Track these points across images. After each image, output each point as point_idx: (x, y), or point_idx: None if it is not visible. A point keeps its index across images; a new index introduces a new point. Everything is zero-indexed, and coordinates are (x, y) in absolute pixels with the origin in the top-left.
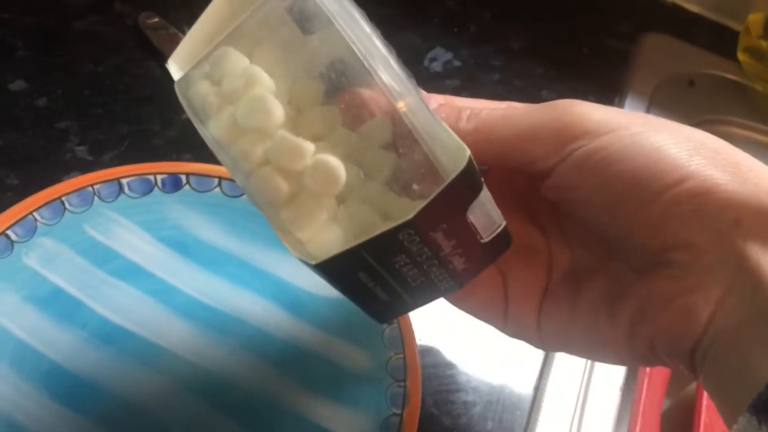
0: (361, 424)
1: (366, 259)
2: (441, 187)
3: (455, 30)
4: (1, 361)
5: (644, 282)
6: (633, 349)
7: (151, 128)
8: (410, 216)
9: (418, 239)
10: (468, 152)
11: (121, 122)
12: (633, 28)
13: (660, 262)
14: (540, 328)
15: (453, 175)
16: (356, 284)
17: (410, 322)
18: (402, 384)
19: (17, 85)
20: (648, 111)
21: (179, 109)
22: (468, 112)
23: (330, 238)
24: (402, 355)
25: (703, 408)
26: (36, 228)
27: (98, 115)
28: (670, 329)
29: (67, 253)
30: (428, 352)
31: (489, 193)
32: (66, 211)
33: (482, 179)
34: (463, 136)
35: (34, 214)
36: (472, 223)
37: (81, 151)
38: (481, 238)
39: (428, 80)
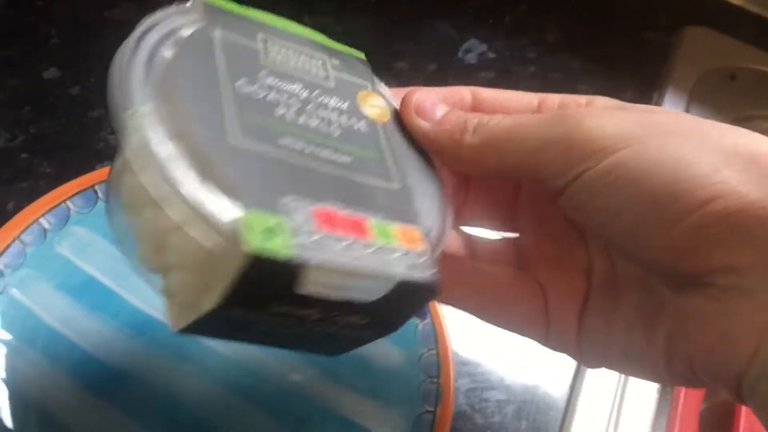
0: (393, 420)
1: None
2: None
3: (490, 21)
4: (32, 349)
5: (681, 299)
6: (672, 369)
7: None
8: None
9: (253, 315)
10: (244, 255)
11: None
12: (673, 20)
13: (696, 282)
14: (580, 342)
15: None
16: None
17: (443, 319)
18: (435, 381)
19: (51, 73)
20: (688, 106)
21: None
22: (475, 122)
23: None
24: (435, 352)
25: (743, 411)
26: (69, 216)
27: None
28: (710, 353)
29: (99, 242)
30: (461, 349)
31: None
32: (99, 200)
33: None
34: (470, 150)
35: (67, 202)
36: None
37: (114, 139)
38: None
39: (462, 72)
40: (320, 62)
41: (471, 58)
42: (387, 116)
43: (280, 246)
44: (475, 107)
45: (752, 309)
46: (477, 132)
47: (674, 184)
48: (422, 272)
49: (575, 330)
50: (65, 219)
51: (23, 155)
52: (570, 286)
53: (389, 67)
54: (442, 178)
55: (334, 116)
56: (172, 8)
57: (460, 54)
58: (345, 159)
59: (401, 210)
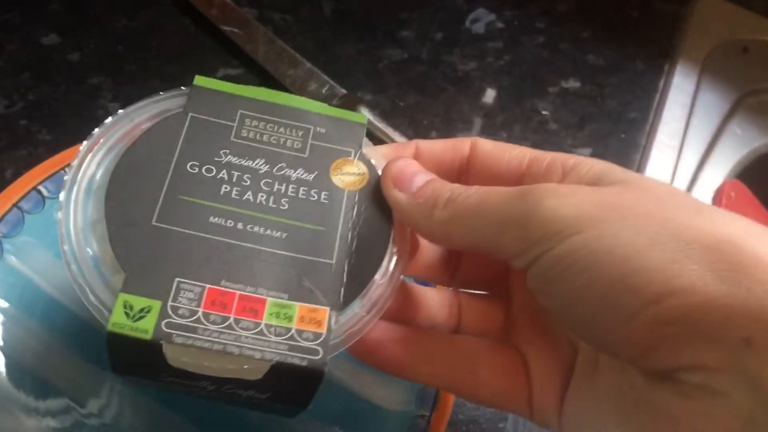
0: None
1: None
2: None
3: None
4: (31, 317)
5: (653, 392)
6: None
7: (185, 85)
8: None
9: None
10: (107, 332)
11: (155, 79)
12: None
13: (666, 376)
14: (560, 422)
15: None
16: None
17: None
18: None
19: (50, 39)
20: (700, 78)
21: (214, 67)
22: (446, 196)
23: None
24: None
25: None
26: None
27: (131, 71)
28: None
29: None
30: None
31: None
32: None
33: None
34: (439, 225)
35: (66, 169)
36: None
37: (114, 107)
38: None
39: (469, 42)
40: (301, 133)
41: (479, 28)
42: (364, 182)
43: (145, 326)
44: (470, 162)
45: (725, 412)
46: (447, 207)
47: (626, 277)
48: (303, 356)
49: (557, 409)
50: None
51: (22, 122)
52: (555, 363)
53: (395, 37)
54: (406, 248)
55: (291, 189)
56: (167, 93)
57: (467, 23)
58: (278, 235)
59: (319, 288)
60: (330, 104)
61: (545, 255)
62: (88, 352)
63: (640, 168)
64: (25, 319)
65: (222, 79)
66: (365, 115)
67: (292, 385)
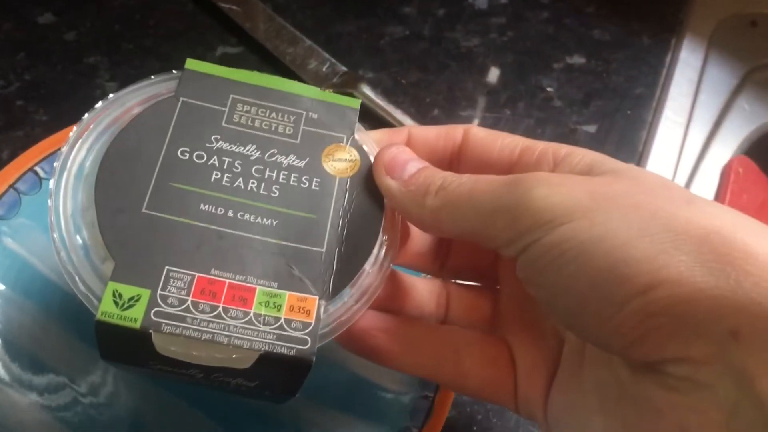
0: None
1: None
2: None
3: None
4: (28, 299)
5: (637, 385)
6: None
7: (182, 65)
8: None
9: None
10: (96, 321)
11: (152, 58)
12: None
13: (651, 369)
14: (546, 415)
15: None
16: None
17: None
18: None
19: (46, 18)
20: (707, 53)
21: (212, 46)
22: (439, 183)
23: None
24: None
25: None
26: None
27: (128, 51)
28: None
29: None
30: None
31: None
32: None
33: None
34: (429, 212)
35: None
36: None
37: (111, 87)
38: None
39: (472, 18)
40: (293, 118)
41: (482, 3)
42: (356, 169)
43: (134, 315)
44: (462, 149)
45: (711, 405)
46: (438, 195)
47: (615, 267)
48: (291, 346)
49: (542, 402)
50: None
51: (18, 102)
52: (541, 355)
53: (396, 13)
54: (397, 236)
55: (282, 176)
56: (158, 76)
57: None
58: (268, 222)
59: (309, 277)
60: (331, 82)
61: (535, 244)
62: (84, 333)
63: (646, 144)
64: (22, 300)
65: (221, 57)
66: (359, 99)
67: (280, 373)
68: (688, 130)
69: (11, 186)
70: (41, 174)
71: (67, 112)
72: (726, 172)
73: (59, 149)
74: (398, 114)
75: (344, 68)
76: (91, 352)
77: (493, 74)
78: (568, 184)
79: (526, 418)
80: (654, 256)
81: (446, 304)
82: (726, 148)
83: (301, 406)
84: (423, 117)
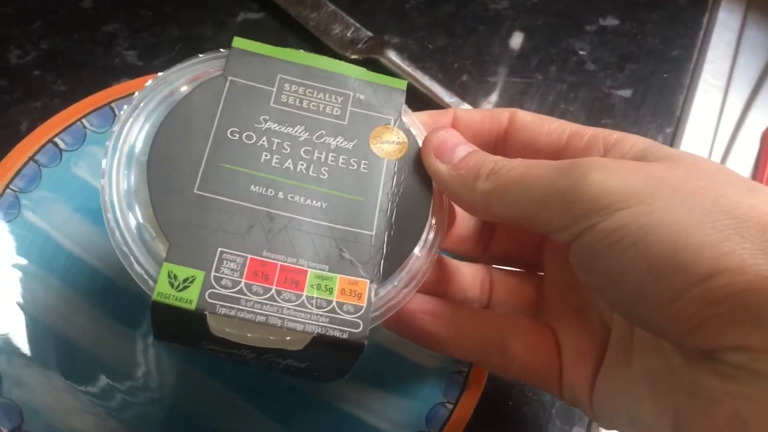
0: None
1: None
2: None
3: None
4: (52, 275)
5: (692, 372)
6: None
7: (203, 32)
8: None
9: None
10: (152, 302)
11: (172, 25)
12: None
13: (707, 356)
14: (592, 401)
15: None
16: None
17: None
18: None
19: None
20: (746, 13)
21: (233, 12)
22: (490, 167)
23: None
24: None
25: None
26: (85, 136)
27: (147, 18)
28: None
29: None
30: None
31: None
32: (116, 118)
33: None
34: (480, 197)
35: (83, 121)
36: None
37: (130, 55)
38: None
39: None
40: (340, 99)
41: None
42: (404, 152)
43: (189, 296)
44: (508, 133)
45: (767, 394)
46: (489, 179)
47: (675, 254)
48: (344, 329)
49: (588, 389)
50: (81, 139)
51: (36, 72)
52: (587, 342)
53: None
54: (445, 220)
55: (331, 157)
56: (206, 55)
57: None
58: (318, 204)
59: (359, 260)
60: (356, 48)
61: (591, 229)
62: (113, 310)
63: (683, 110)
64: (46, 276)
65: (242, 23)
66: (405, 80)
67: (331, 356)
68: (727, 95)
69: (31, 158)
70: (61, 145)
71: (86, 81)
72: (766, 138)
73: (79, 119)
74: (426, 80)
75: (369, 33)
76: (121, 329)
77: (523, 38)
78: (625, 170)
79: (571, 405)
80: (716, 243)
81: (489, 290)
82: (766, 113)
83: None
84: (451, 83)
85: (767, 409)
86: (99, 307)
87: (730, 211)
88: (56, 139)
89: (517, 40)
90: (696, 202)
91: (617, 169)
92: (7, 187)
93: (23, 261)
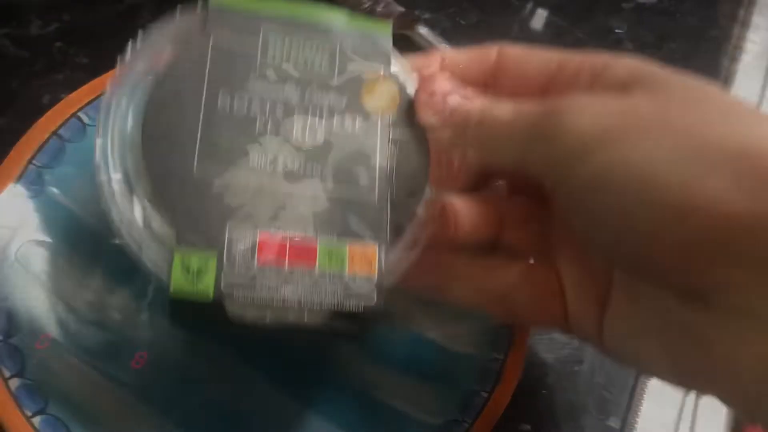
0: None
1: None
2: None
3: None
4: (76, 252)
5: (684, 312)
6: (684, 382)
7: None
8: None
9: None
10: (171, 294)
11: None
12: None
13: (697, 297)
14: (602, 337)
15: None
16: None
17: None
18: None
19: None
20: None
21: None
22: (477, 117)
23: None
24: None
25: None
26: None
27: None
28: (715, 378)
29: None
30: None
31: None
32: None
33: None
34: (472, 146)
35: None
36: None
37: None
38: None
39: None
40: (327, 53)
41: None
42: (395, 105)
43: (205, 286)
44: (498, 69)
45: (756, 332)
46: (477, 128)
47: (649, 194)
48: (359, 301)
49: (596, 325)
50: None
51: (57, 44)
52: (592, 282)
53: None
54: (443, 173)
55: (324, 119)
56: (179, 15)
57: None
58: (318, 171)
59: (365, 224)
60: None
61: (569, 174)
62: (138, 290)
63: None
64: (69, 253)
65: None
66: (390, 23)
67: (349, 325)
68: None
69: (54, 132)
70: (85, 120)
71: (109, 54)
72: None
73: (101, 96)
74: None
75: (400, 8)
76: (147, 309)
77: (559, 14)
78: (598, 106)
79: (582, 341)
80: (688, 182)
81: (497, 228)
82: None
83: (365, 369)
84: None
85: (759, 349)
86: (124, 287)
87: (703, 146)
88: (80, 113)
89: (553, 17)
90: (667, 139)
91: (589, 108)
92: (30, 162)
93: (47, 238)
